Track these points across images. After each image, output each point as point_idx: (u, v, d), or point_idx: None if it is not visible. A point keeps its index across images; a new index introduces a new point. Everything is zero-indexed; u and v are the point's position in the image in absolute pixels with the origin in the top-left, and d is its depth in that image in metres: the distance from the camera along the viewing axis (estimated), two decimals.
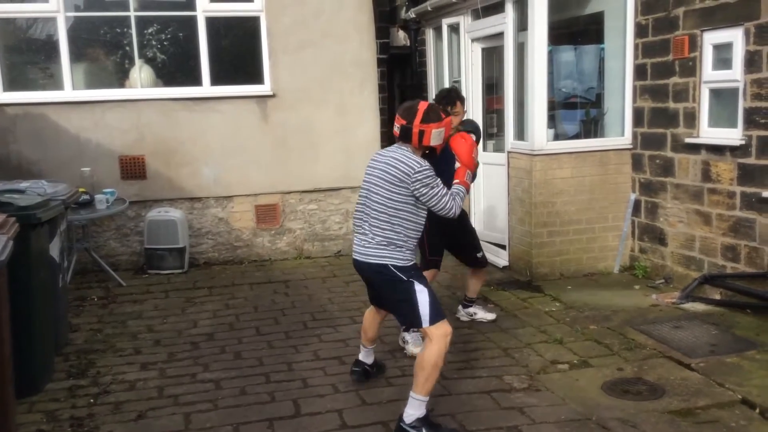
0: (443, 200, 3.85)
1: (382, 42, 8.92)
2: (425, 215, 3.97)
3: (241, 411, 4.20)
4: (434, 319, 3.76)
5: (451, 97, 5.07)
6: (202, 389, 4.54)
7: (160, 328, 5.81)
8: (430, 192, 3.81)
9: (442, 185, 3.87)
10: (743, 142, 5.62)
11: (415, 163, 3.78)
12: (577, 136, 7.21)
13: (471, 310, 5.78)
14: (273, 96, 8.00)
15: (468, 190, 4.12)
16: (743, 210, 5.70)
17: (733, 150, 5.74)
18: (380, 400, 4.29)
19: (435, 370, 3.74)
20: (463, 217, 5.28)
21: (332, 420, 4.05)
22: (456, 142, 4.19)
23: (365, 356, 4.62)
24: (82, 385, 4.64)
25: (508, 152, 7.24)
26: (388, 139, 8.71)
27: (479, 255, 5.59)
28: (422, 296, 3.79)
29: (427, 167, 3.80)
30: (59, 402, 4.37)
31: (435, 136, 3.85)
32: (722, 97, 5.94)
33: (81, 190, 6.74)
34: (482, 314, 5.78)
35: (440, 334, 3.75)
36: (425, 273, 4.63)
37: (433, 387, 3.78)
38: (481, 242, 5.67)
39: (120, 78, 7.92)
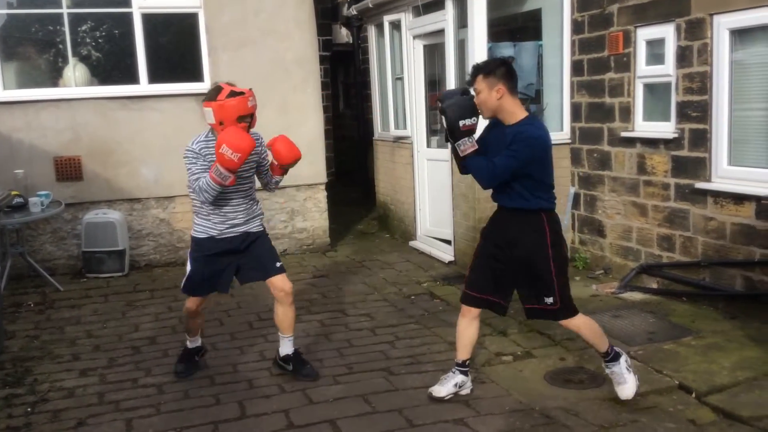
0: (193, 185, 4.21)
1: (324, 39, 8.89)
2: (212, 188, 4.16)
3: (185, 415, 4.12)
4: (184, 291, 4.51)
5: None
6: (143, 394, 4.45)
7: (99, 333, 5.67)
8: (187, 171, 4.24)
9: (198, 174, 4.17)
10: (676, 135, 5.80)
11: (191, 141, 4.28)
12: None
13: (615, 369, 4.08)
14: None
15: (217, 186, 4.14)
16: (677, 201, 5.88)
17: (667, 143, 5.91)
18: (327, 398, 4.27)
19: (186, 318, 4.65)
20: (541, 241, 3.84)
21: (279, 420, 4.02)
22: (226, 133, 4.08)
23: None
24: (18, 393, 4.49)
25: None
26: (332, 136, 8.70)
27: (549, 301, 3.87)
28: (188, 272, 4.47)
29: (191, 148, 4.22)
30: None
31: (206, 114, 4.16)
32: (656, 91, 6.11)
33: (14, 192, 6.55)
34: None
35: (187, 304, 4.54)
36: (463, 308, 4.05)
37: (187, 330, 4.70)
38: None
39: (53, 77, 7.67)
